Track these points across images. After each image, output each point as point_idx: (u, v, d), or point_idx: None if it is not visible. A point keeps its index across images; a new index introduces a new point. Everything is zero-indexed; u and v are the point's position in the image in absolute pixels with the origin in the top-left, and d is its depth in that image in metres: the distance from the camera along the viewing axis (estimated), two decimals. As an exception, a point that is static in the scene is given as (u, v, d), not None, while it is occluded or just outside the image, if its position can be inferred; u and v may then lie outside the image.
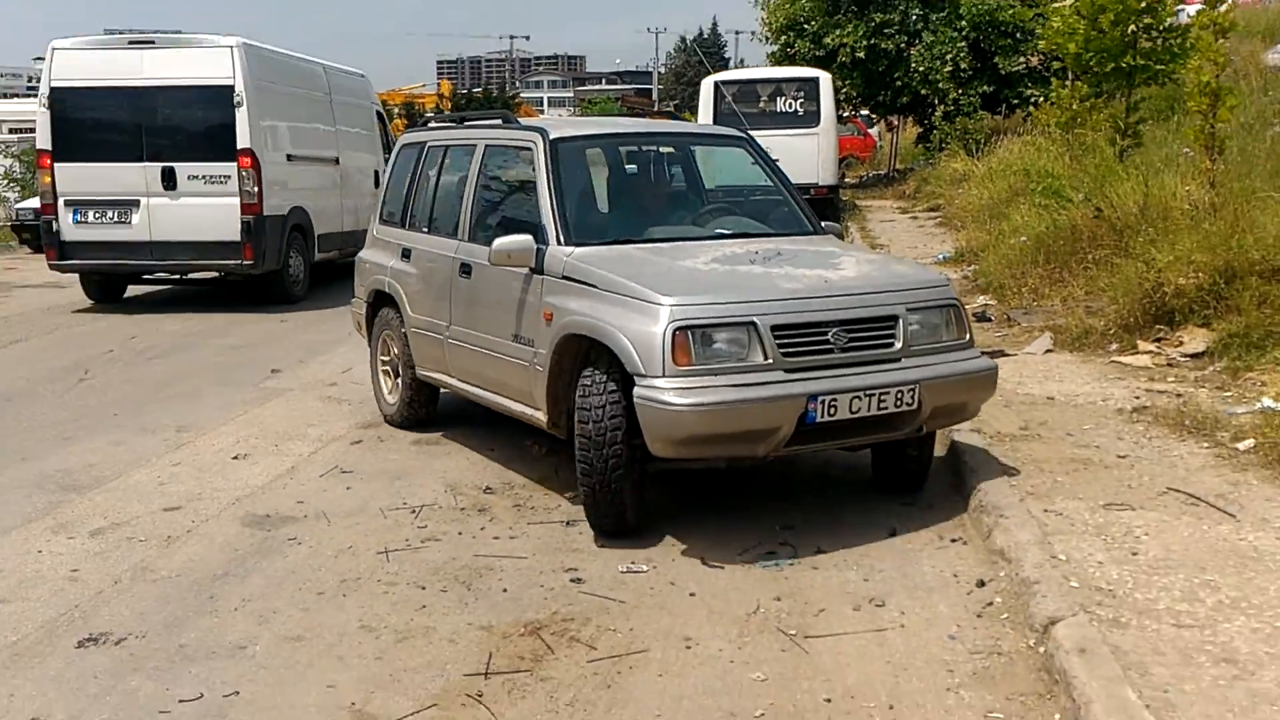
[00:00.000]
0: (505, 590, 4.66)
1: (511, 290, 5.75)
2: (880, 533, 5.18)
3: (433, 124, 7.83)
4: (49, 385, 8.69)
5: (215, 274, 12.81)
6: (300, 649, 4.16)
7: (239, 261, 12.01)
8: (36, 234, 18.98)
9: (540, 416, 5.53)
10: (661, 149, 6.99)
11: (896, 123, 32.67)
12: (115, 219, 12.09)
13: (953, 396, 5.17)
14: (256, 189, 11.94)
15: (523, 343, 5.65)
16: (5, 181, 22.63)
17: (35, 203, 19.42)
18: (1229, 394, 6.70)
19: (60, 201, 12.14)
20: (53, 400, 8.21)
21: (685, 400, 4.64)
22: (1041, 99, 19.98)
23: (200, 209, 11.96)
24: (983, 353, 5.51)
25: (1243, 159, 9.85)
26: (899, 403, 4.94)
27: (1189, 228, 8.22)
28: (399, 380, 7.15)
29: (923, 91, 26.15)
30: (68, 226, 12.16)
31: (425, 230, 6.92)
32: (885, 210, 22.06)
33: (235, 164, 11.87)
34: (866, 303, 5.09)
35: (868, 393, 4.87)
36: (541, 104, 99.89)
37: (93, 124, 12.19)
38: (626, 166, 6.78)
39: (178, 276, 13.22)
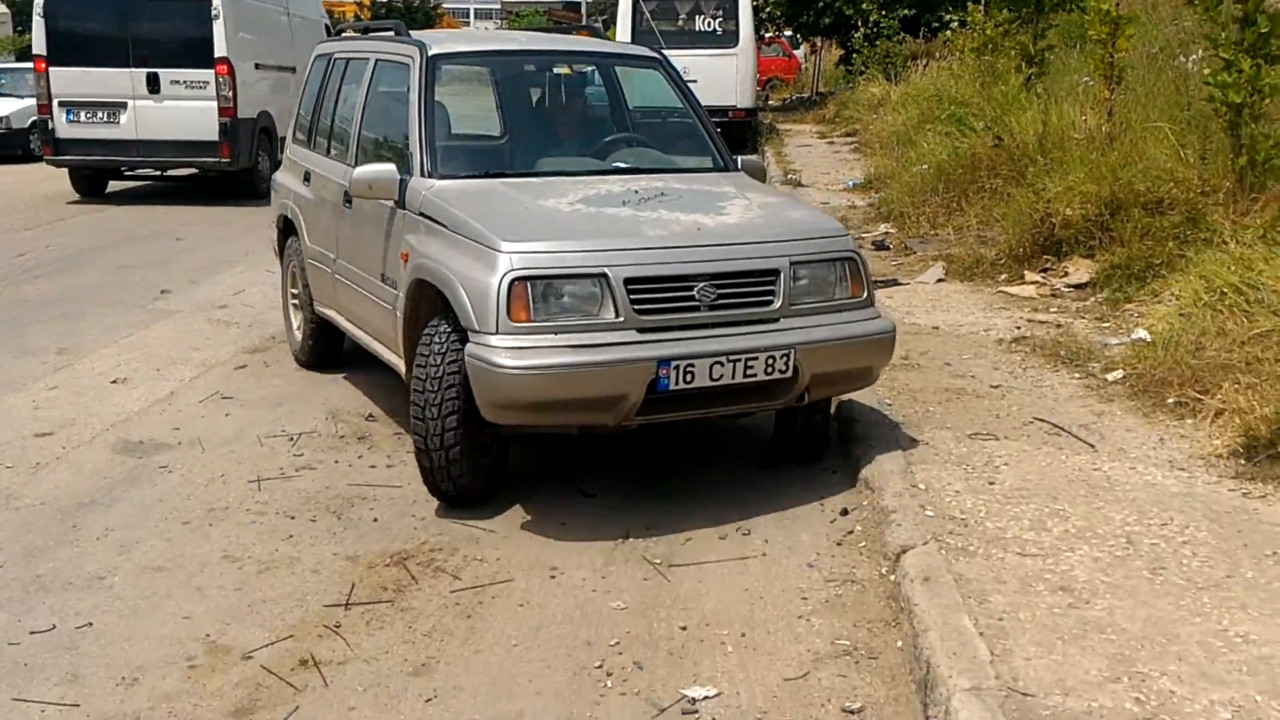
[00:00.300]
0: (376, 520, 4.65)
1: (380, 225, 5.32)
2: (753, 463, 5.25)
3: (345, 34, 7.39)
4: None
5: (193, 170, 14.45)
6: (160, 579, 4.13)
7: (217, 159, 13.57)
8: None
9: (400, 365, 5.10)
10: (571, 69, 6.49)
11: (820, 45, 32.55)
12: (105, 119, 13.51)
13: (839, 363, 4.67)
14: (232, 94, 13.38)
15: (387, 284, 5.23)
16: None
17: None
18: (1106, 325, 6.84)
19: (54, 102, 13.53)
20: (-70, 320, 7.98)
21: (516, 362, 4.16)
22: (957, 24, 19.99)
23: (182, 111, 13.41)
24: (875, 310, 4.90)
25: (1145, 90, 9.96)
26: (770, 369, 4.43)
27: (1081, 158, 8.32)
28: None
29: (847, 12, 26.06)
30: (62, 125, 13.57)
31: (324, 153, 6.44)
32: (804, 135, 22.04)
33: (213, 71, 13.30)
34: (742, 254, 4.55)
35: (732, 358, 4.35)
36: (467, 15, 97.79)
37: (84, 32, 13.49)
38: (529, 89, 6.36)
39: (159, 172, 14.98)
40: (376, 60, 5.98)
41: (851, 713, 3.30)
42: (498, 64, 6.24)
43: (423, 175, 5.08)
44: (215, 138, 13.41)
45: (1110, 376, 5.84)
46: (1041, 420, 5.29)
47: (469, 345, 4.31)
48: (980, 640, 3.31)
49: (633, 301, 4.30)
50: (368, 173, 5.10)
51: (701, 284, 4.40)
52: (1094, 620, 3.47)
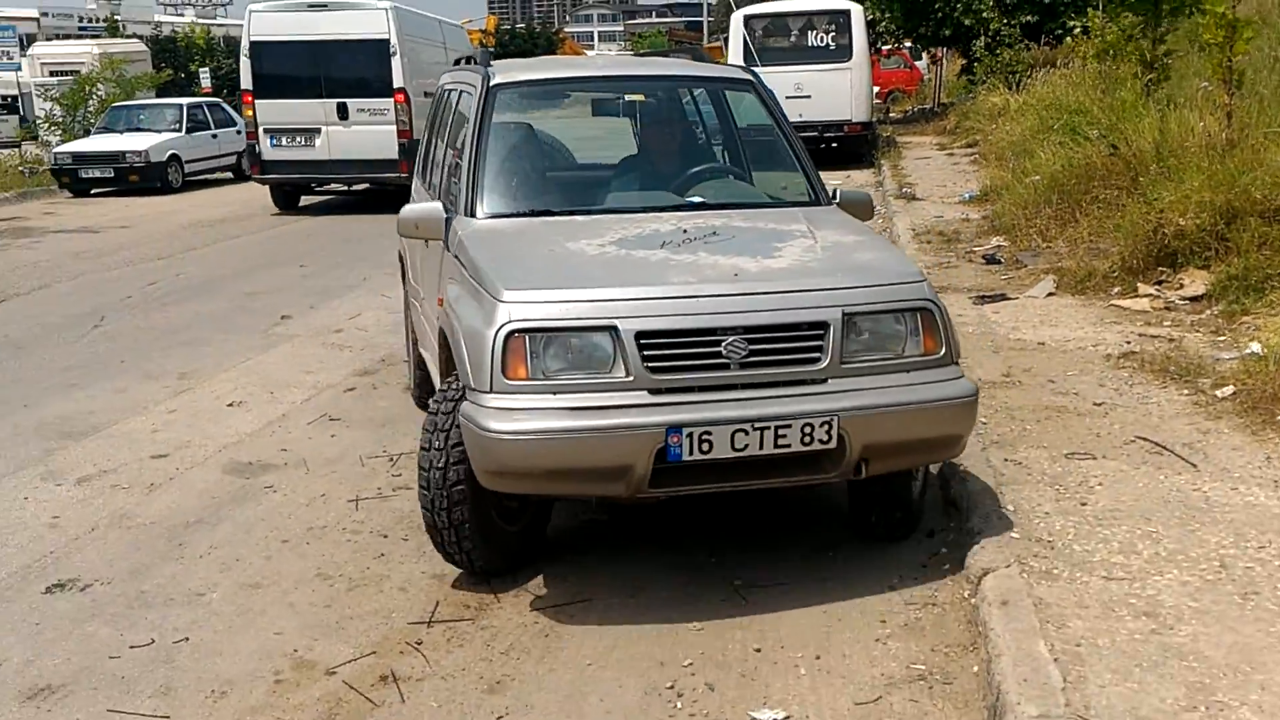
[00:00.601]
0: (465, 538, 4.75)
1: (435, 268, 4.99)
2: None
3: (461, 65, 7.04)
4: (64, 332, 8.89)
5: (374, 185, 16.84)
6: (255, 596, 4.29)
7: (396, 174, 15.43)
8: (75, 178, 19.46)
9: None
10: (661, 94, 6.01)
11: (940, 55, 32.07)
12: (303, 142, 16.07)
13: (902, 432, 3.95)
14: (408, 119, 15.65)
15: (436, 331, 4.80)
16: (46, 125, 22.97)
17: (77, 145, 20.01)
18: (1222, 339, 6.60)
19: (260, 129, 16.15)
20: (64, 347, 8.41)
21: (504, 426, 3.70)
22: (1079, 29, 19.50)
23: (367, 134, 15.75)
24: (957, 373, 4.12)
25: (1268, 93, 9.59)
26: (807, 439, 3.78)
27: (1197, 166, 8.05)
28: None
29: (966, 22, 25.61)
30: (267, 149, 16.20)
31: (426, 187, 6.33)
32: (924, 147, 21.71)
33: (392, 100, 15.68)
34: (782, 304, 3.91)
35: (758, 425, 3.74)
36: (591, 39, 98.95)
37: (283, 71, 15.91)
38: (616, 116, 6.27)
39: (347, 187, 17.46)
40: (461, 92, 5.77)
41: (921, 738, 3.27)
42: (564, 92, 6.03)
43: (465, 214, 4.77)
44: (395, 156, 15.61)
45: (1220, 393, 5.64)
46: (1143, 439, 5.13)
47: (464, 405, 3.91)
48: (1054, 666, 3.24)
49: (646, 358, 3.77)
50: (414, 211, 4.88)
51: (730, 339, 3.81)
52: (1176, 647, 3.36)
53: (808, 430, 3.79)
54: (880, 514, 4.51)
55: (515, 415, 3.73)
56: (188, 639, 3.97)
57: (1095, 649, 3.37)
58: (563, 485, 3.91)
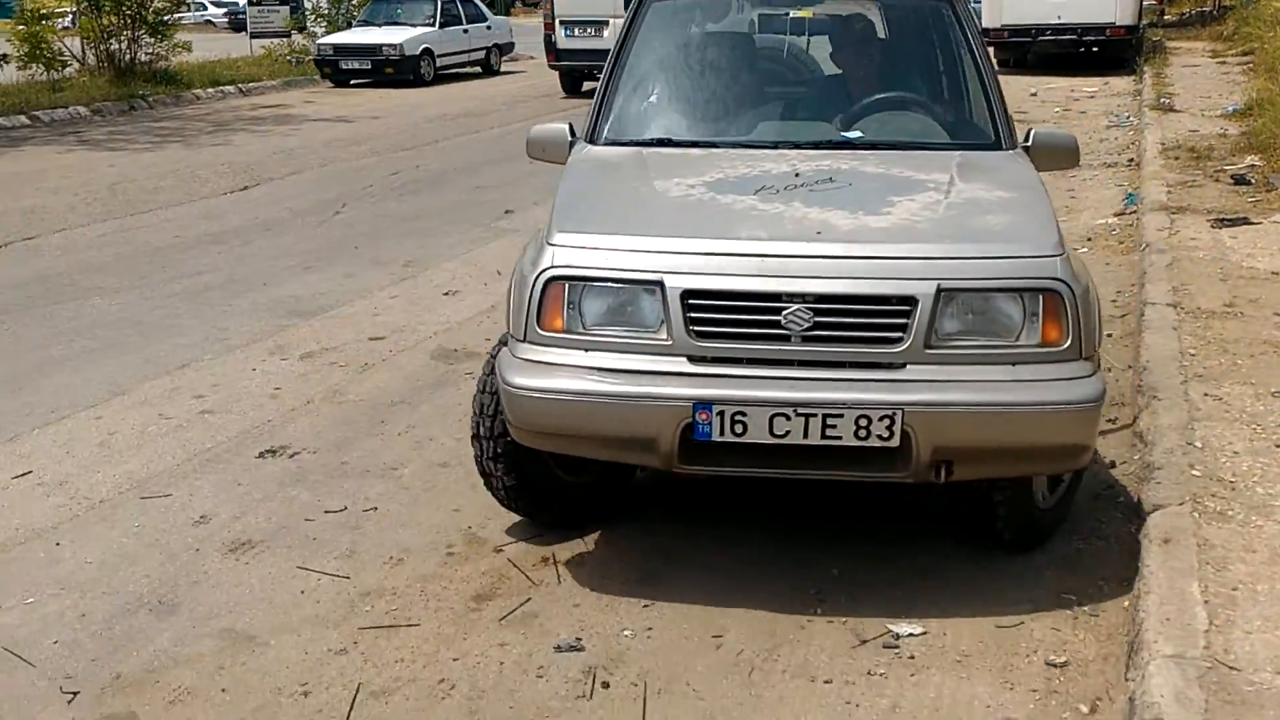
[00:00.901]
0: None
1: None
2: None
3: None
4: (307, 217, 9.53)
5: None
6: (441, 474, 4.59)
7: None
8: (335, 69, 20.55)
9: None
10: (840, 12, 5.02)
11: (1226, -48, 29.53)
12: (592, 33, 18.22)
13: (986, 436, 3.31)
14: None
15: None
16: (313, 16, 24.17)
17: (338, 38, 21.11)
18: None
19: (557, 21, 18.56)
20: (306, 231, 9.02)
21: (524, 381, 3.44)
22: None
23: None
24: (1088, 370, 3.37)
25: None
26: (863, 433, 3.25)
27: None
28: None
29: (1256, -84, 23.48)
30: (560, 39, 18.58)
31: None
32: (1194, 53, 20.23)
33: None
34: (865, 271, 3.33)
35: (802, 410, 3.24)
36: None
37: None
38: (780, 37, 5.07)
39: None
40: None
41: (1055, 666, 3.24)
42: (729, 6, 5.17)
43: (586, 139, 4.47)
44: None
45: None
46: (1365, 381, 4.79)
47: (501, 352, 3.69)
48: (1202, 608, 3.15)
49: (692, 321, 3.34)
50: (542, 132, 4.58)
51: (794, 306, 3.30)
52: (1345, 600, 3.20)
53: (863, 423, 3.24)
54: (986, 522, 3.81)
55: (541, 370, 3.45)
56: (376, 508, 4.30)
57: (1252, 595, 3.24)
58: (592, 449, 3.56)
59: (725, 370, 3.34)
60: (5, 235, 8.87)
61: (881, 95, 4.58)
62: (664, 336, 3.37)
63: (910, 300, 3.28)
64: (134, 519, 4.23)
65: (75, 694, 3.19)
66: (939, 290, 3.27)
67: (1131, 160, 11.00)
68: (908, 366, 3.29)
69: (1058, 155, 4.33)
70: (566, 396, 3.40)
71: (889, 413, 3.22)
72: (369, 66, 20.53)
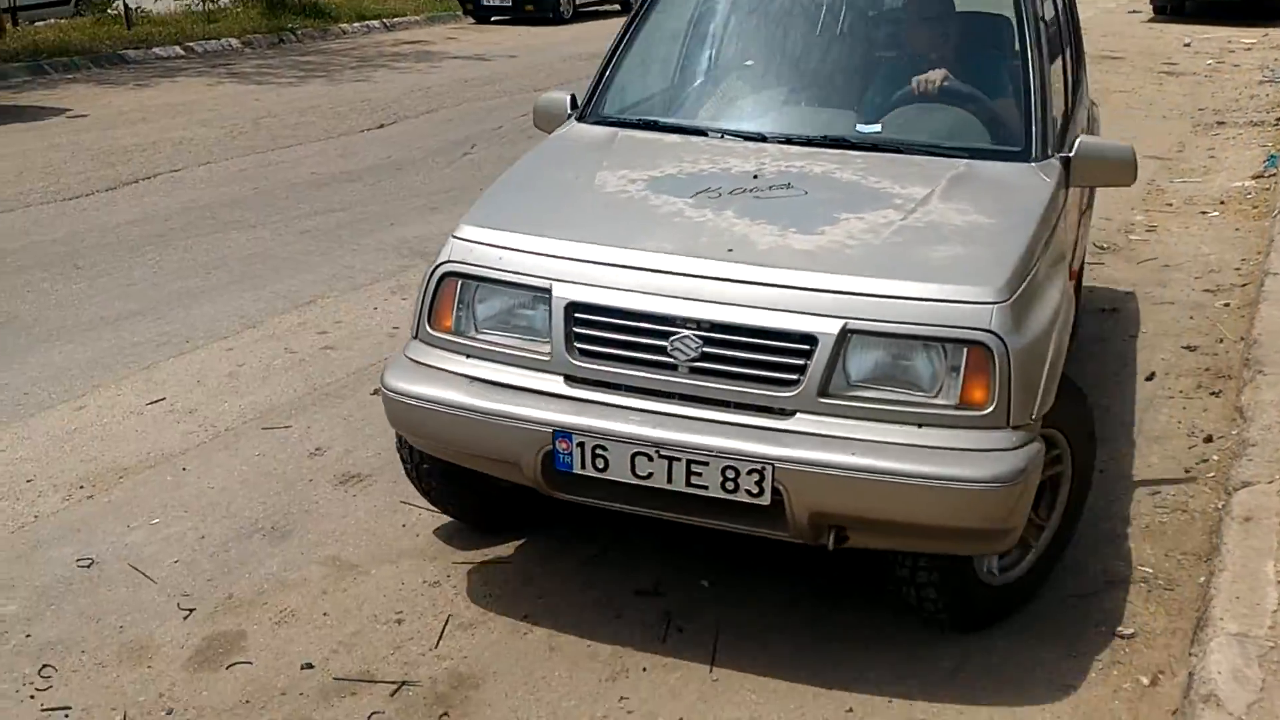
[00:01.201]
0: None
1: None
2: (1135, 376, 5.05)
3: None
4: (437, 157, 9.79)
5: None
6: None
7: None
8: (477, 5, 20.82)
9: None
10: None
11: None
12: None
13: (870, 507, 2.86)
14: None
15: None
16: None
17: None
18: None
19: None
20: (435, 172, 9.27)
21: (396, 384, 3.25)
22: None
23: None
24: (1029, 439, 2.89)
25: None
26: (730, 486, 2.88)
27: None
28: None
29: None
30: None
31: None
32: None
33: None
34: (763, 300, 2.94)
35: (665, 451, 2.90)
36: None
37: None
38: (824, 17, 4.36)
39: None
40: None
41: (1122, 637, 3.29)
42: None
43: (575, 115, 4.22)
44: None
45: None
46: None
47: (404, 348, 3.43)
48: (1275, 589, 3.15)
49: (575, 336, 3.05)
50: (544, 101, 4.35)
51: (683, 333, 2.95)
52: None
53: (730, 474, 2.87)
54: (917, 594, 3.24)
55: (418, 374, 3.24)
56: (477, 448, 4.52)
57: (1330, 579, 3.22)
58: (468, 461, 3.32)
59: (599, 396, 3.03)
60: (155, 166, 9.34)
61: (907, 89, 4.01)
62: (545, 351, 3.09)
63: (810, 339, 2.88)
64: (255, 448, 4.53)
65: (191, 611, 3.49)
66: (844, 330, 2.87)
67: (1279, 120, 10.56)
68: (797, 415, 2.89)
69: (1107, 169, 3.69)
70: (432, 406, 3.17)
71: (757, 467, 2.84)
72: (509, 3, 20.69)
